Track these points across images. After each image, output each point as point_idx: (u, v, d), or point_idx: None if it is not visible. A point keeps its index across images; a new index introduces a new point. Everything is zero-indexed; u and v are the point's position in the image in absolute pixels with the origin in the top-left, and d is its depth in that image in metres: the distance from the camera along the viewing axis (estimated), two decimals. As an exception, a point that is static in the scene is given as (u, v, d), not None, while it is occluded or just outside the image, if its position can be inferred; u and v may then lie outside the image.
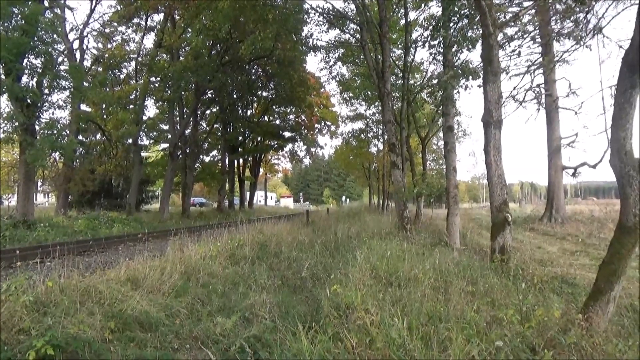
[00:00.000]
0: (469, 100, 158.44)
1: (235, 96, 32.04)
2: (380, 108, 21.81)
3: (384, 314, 4.20)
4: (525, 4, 12.37)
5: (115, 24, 25.96)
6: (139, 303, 5.10)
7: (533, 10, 12.46)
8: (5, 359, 3.40)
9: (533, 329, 3.93)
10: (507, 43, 12.76)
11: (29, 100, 15.09)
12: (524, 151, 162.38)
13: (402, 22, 20.11)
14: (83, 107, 22.81)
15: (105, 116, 26.09)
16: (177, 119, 27.28)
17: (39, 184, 30.27)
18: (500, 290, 5.65)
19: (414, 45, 19.49)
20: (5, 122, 15.54)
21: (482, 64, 9.91)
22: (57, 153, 19.71)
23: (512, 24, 12.22)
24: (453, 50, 14.43)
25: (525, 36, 12.61)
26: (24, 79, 15.54)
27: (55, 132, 15.71)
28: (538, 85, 13.61)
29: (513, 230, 10.04)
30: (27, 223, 14.84)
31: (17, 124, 15.15)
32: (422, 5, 19.07)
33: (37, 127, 16.06)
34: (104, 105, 24.89)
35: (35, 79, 15.80)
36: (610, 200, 35.47)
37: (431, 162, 41.83)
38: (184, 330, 4.87)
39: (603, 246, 12.41)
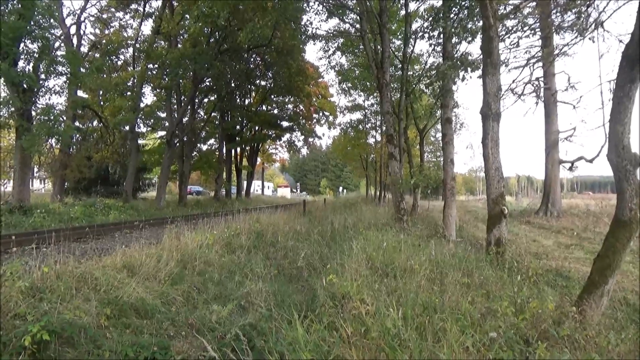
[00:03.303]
0: (467, 92, 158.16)
1: (233, 85, 31.86)
2: (378, 99, 21.75)
3: (379, 304, 4.21)
4: (526, -4, 12.31)
5: (113, 9, 25.74)
6: (135, 290, 5.10)
7: (534, 3, 12.42)
8: (1, 343, 3.40)
9: (527, 321, 3.96)
10: (507, 35, 12.71)
11: (25, 85, 14.98)
12: (522, 144, 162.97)
13: (402, 12, 19.99)
14: (80, 93, 22.62)
15: (102, 103, 25.95)
16: (175, 106, 27.13)
17: (35, 170, 30.10)
18: (495, 282, 5.68)
19: (414, 36, 19.37)
20: (1, 107, 15.42)
21: (481, 56, 9.88)
22: (54, 139, 19.64)
23: (513, 16, 12.17)
24: (453, 41, 14.38)
25: (525, 29, 12.56)
26: (21, 63, 15.45)
27: (51, 117, 15.61)
28: (537, 79, 13.60)
29: (509, 223, 10.08)
30: (23, 209, 14.80)
31: (13, 109, 15.05)
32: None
33: (33, 113, 15.96)
34: (101, 92, 24.75)
35: (31, 64, 15.68)
36: (606, 195, 35.67)
37: (429, 154, 41.84)
38: (180, 317, 4.89)
39: (598, 240, 12.49)
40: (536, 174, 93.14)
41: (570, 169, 19.26)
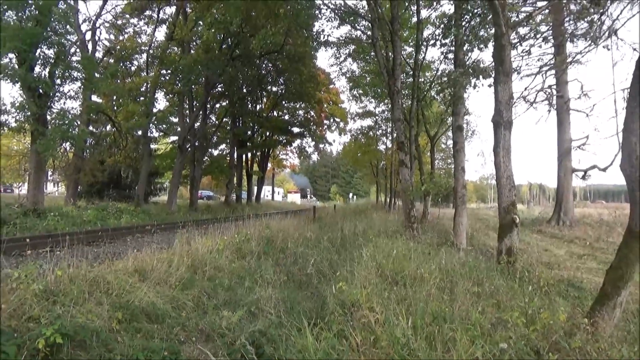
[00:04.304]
0: (479, 100, 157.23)
1: (245, 90, 32.07)
2: (389, 106, 21.77)
3: (389, 313, 4.21)
4: (539, 3, 12.28)
5: (128, 15, 26.06)
6: (146, 294, 5.14)
7: (546, 10, 12.35)
8: (15, 346, 3.46)
9: (538, 332, 3.92)
10: (519, 43, 12.65)
11: (41, 90, 15.24)
12: (534, 152, 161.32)
13: (414, 19, 19.99)
14: (94, 98, 22.94)
15: (115, 108, 26.28)
16: (187, 112, 27.37)
17: (49, 173, 30.52)
18: (506, 292, 5.63)
19: (425, 44, 19.39)
20: (18, 111, 15.69)
21: (493, 64, 9.85)
22: (68, 143, 19.89)
23: (525, 23, 12.11)
24: (464, 49, 14.33)
25: (537, 36, 12.48)
26: (37, 69, 15.71)
27: (66, 122, 15.85)
28: (550, 86, 13.52)
29: (520, 231, 9.99)
30: (37, 212, 15.00)
31: (29, 113, 15.30)
32: (434, 3, 18.96)
33: (48, 117, 16.22)
34: (114, 97, 25.08)
35: (47, 69, 15.95)
36: (620, 204, 35.17)
37: (440, 162, 41.67)
38: (190, 322, 4.92)
39: (611, 250, 12.32)
40: (548, 182, 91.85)
41: (583, 177, 19.07)
